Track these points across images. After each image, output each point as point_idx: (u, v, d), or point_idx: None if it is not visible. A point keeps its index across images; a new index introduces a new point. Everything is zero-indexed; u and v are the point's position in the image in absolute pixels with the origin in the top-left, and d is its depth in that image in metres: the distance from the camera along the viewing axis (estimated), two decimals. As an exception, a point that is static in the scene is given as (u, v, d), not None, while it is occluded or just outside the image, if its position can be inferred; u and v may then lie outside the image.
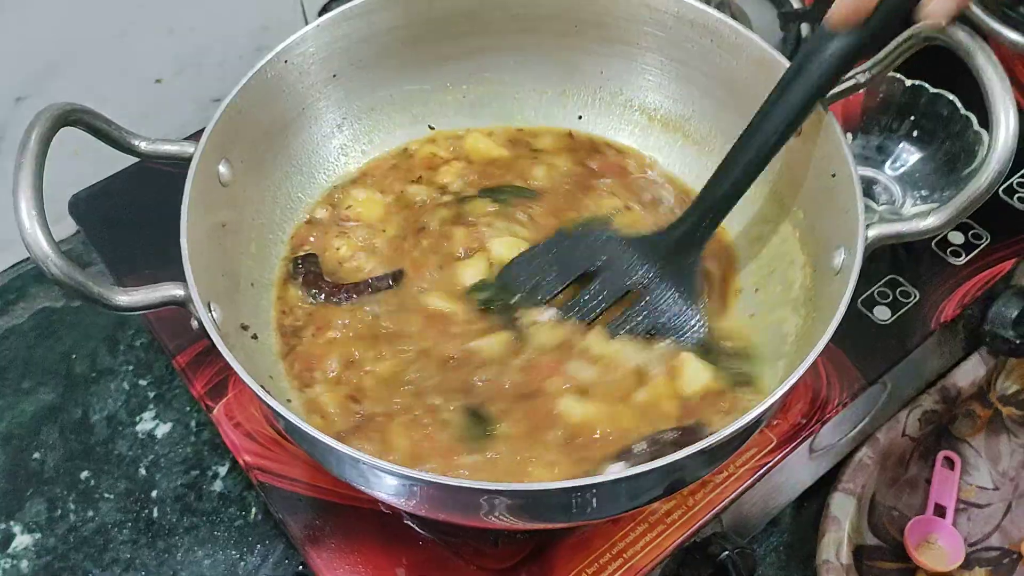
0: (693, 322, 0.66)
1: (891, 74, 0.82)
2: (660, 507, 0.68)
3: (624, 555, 0.66)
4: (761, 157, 0.63)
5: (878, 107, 0.83)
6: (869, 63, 0.62)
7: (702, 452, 0.49)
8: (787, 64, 0.63)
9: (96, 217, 0.86)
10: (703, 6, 0.67)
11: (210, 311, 0.54)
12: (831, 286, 0.58)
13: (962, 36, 0.55)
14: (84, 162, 0.83)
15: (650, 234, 0.69)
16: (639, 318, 0.66)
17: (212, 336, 0.51)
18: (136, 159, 0.83)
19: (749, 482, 0.69)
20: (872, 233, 0.56)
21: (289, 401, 0.60)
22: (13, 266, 0.96)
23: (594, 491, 0.51)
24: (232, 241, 0.64)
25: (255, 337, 0.65)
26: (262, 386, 0.51)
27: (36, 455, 0.84)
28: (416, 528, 0.67)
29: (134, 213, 0.83)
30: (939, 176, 0.81)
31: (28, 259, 0.94)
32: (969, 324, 0.82)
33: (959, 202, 0.55)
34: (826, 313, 0.55)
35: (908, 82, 0.82)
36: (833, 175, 0.60)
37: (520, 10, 0.73)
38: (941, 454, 0.83)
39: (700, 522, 0.67)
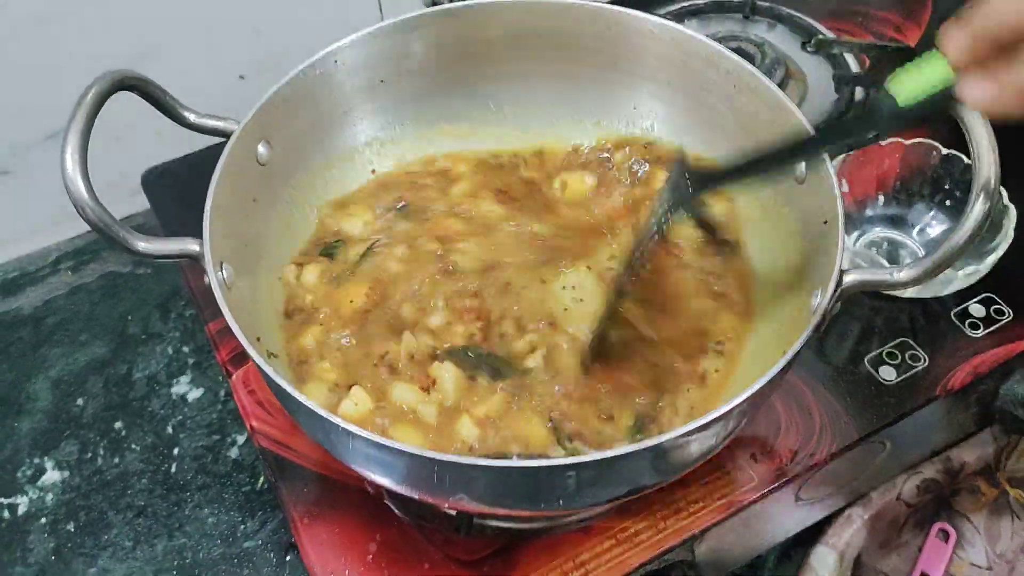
0: None
1: (927, 142, 0.83)
2: (631, 526, 0.70)
3: (587, 566, 0.68)
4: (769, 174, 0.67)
5: (912, 174, 0.84)
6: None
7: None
8: (805, 122, 0.65)
9: (164, 192, 0.93)
10: (730, 53, 0.70)
11: (221, 271, 0.59)
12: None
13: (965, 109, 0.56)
14: (166, 142, 0.91)
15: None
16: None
17: (213, 287, 0.56)
18: (212, 142, 0.91)
19: (724, 515, 0.70)
20: (849, 279, 0.58)
21: (275, 356, 0.64)
22: (92, 231, 1.05)
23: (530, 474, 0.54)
24: (261, 217, 0.70)
25: None
26: (257, 338, 0.55)
27: (79, 401, 0.91)
28: (394, 509, 0.71)
29: (198, 192, 0.89)
30: (965, 247, 0.81)
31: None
32: (982, 400, 0.81)
33: (934, 258, 0.56)
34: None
35: (944, 151, 0.82)
36: (824, 222, 0.62)
37: (565, 41, 0.77)
38: (937, 525, 0.82)
39: (668, 546, 0.69)
